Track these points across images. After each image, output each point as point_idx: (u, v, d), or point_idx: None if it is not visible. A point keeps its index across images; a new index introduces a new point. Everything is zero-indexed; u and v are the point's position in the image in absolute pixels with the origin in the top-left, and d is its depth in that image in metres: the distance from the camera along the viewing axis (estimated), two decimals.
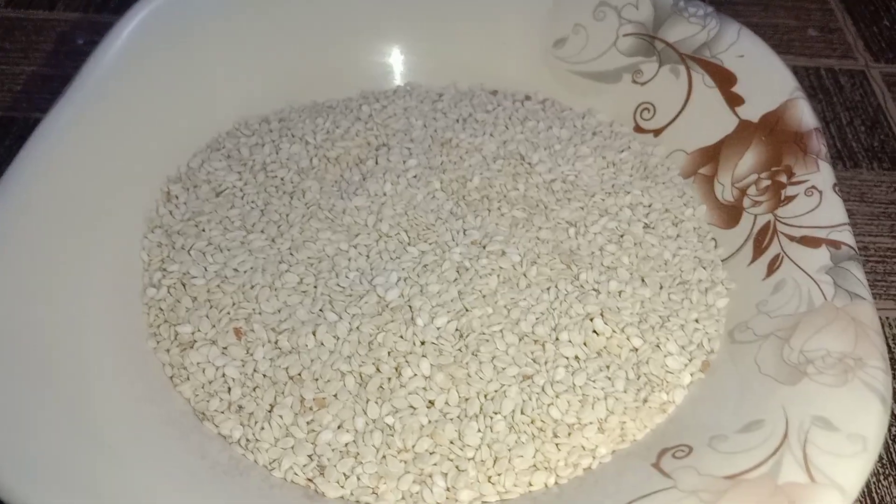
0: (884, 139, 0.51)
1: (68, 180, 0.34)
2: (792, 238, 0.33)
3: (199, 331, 0.33)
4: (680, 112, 0.40)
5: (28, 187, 0.32)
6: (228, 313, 0.33)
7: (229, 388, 0.31)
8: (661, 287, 0.35)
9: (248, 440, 0.30)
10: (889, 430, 0.37)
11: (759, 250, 0.34)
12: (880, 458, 0.36)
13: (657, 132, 0.41)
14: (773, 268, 0.33)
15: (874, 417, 0.26)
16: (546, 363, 0.32)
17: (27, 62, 0.53)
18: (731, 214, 0.37)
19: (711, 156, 0.38)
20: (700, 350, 0.33)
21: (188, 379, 0.32)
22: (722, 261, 0.36)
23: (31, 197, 0.32)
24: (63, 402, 0.28)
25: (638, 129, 0.42)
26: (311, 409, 0.31)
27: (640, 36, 0.42)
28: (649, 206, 0.38)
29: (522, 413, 0.30)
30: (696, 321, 0.33)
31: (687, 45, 0.40)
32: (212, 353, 0.32)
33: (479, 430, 0.30)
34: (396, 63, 0.45)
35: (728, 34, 0.40)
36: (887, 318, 0.41)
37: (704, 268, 0.36)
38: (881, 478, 0.35)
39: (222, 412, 0.31)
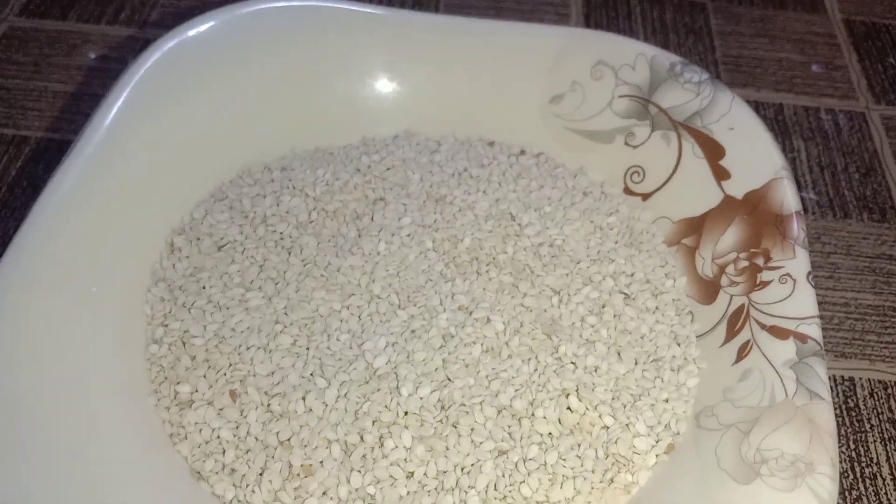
0: (876, 188, 0.52)
1: (74, 236, 0.36)
2: (763, 326, 0.35)
3: (196, 391, 0.35)
4: (668, 179, 0.41)
5: (35, 245, 0.34)
6: (225, 374, 0.35)
7: (223, 450, 0.34)
8: (636, 363, 0.36)
9: (239, 501, 0.33)
10: (850, 492, 0.39)
11: (731, 332, 0.36)
12: None
13: (646, 196, 0.42)
14: (742, 354, 0.35)
15: None
16: (521, 439, 0.34)
17: (39, 77, 0.55)
18: (709, 290, 0.38)
19: (695, 227, 0.40)
20: (667, 431, 0.34)
21: (186, 438, 0.34)
22: (697, 337, 0.38)
23: (38, 253, 0.34)
24: (66, 458, 0.31)
25: (628, 190, 0.43)
26: (298, 475, 0.33)
27: (635, 98, 0.43)
28: (631, 275, 0.40)
29: (495, 489, 0.33)
30: (666, 401, 0.35)
31: (679, 112, 0.41)
32: (208, 415, 0.34)
33: None
34: (398, 109, 0.46)
35: (721, 104, 0.40)
36: (860, 378, 0.43)
37: (679, 344, 0.37)
38: None
39: (216, 473, 0.33)
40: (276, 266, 0.39)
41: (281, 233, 0.40)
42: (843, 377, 0.43)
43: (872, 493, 0.39)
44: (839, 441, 0.39)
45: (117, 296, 0.37)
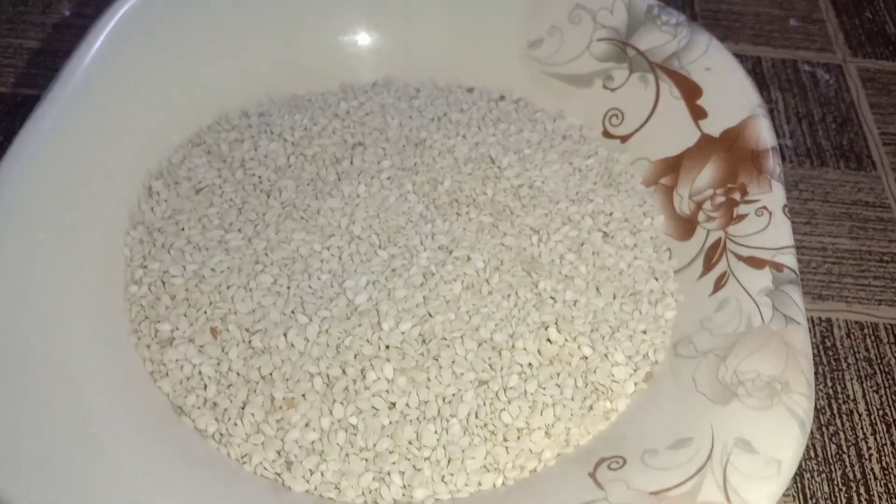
0: (853, 137, 0.53)
1: (52, 180, 0.35)
2: (739, 257, 0.35)
3: (177, 329, 0.35)
4: (646, 120, 0.42)
5: (12, 187, 0.34)
6: (205, 312, 0.35)
7: (205, 386, 0.34)
8: (615, 297, 0.37)
9: (221, 435, 0.33)
10: (827, 428, 0.39)
11: (708, 265, 0.36)
12: (815, 454, 0.38)
13: (624, 139, 0.43)
14: (719, 284, 0.35)
15: (791, 441, 0.28)
16: (501, 369, 0.34)
17: (14, 34, 0.54)
18: (686, 227, 0.39)
19: (673, 167, 0.40)
20: (645, 361, 0.35)
21: (167, 375, 0.34)
22: (674, 272, 0.38)
23: (15, 196, 0.34)
24: (46, 396, 0.30)
25: (606, 133, 0.43)
26: (280, 408, 0.33)
27: (613, 42, 0.43)
28: (610, 214, 0.40)
29: (476, 417, 0.33)
30: (644, 332, 0.36)
31: (657, 53, 0.42)
32: (189, 351, 0.34)
33: (436, 432, 0.33)
34: (376, 56, 0.46)
35: (698, 45, 0.41)
36: (837, 319, 0.44)
37: (657, 278, 0.38)
38: (815, 475, 0.38)
39: (198, 408, 0.33)
40: (255, 209, 0.39)
41: (259, 176, 0.40)
42: (820, 318, 0.44)
43: (849, 429, 0.40)
44: (816, 379, 0.40)
45: (96, 239, 0.37)
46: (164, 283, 0.36)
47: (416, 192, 0.40)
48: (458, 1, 0.45)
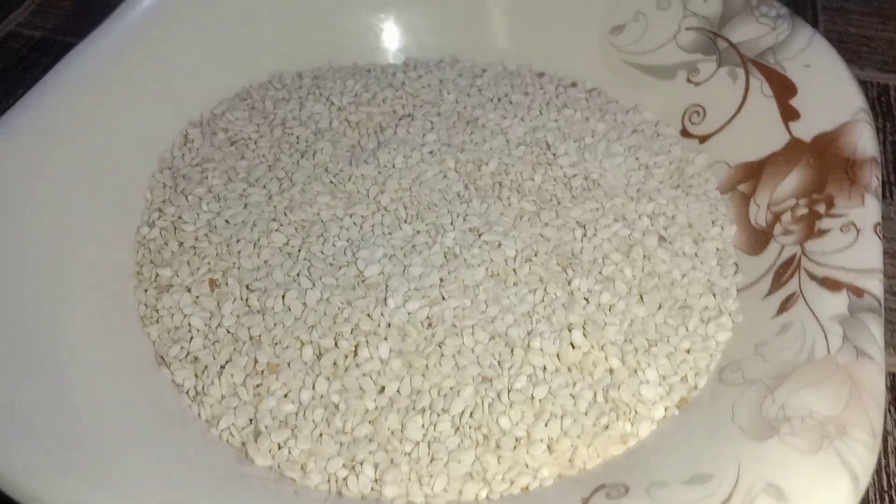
0: None
1: (91, 107, 0.34)
2: (813, 277, 0.29)
3: (177, 276, 0.33)
4: (730, 120, 0.36)
5: (46, 109, 0.33)
6: (209, 263, 0.33)
7: (191, 338, 0.31)
8: (659, 307, 0.32)
9: (196, 392, 0.30)
10: (888, 494, 0.32)
11: (777, 284, 0.31)
12: None
13: (703, 139, 0.37)
14: (785, 306, 0.29)
15: (836, 497, 0.22)
16: (510, 368, 0.30)
17: None
18: (759, 240, 0.33)
19: (754, 173, 0.35)
20: (682, 384, 0.29)
21: (157, 322, 0.32)
22: (738, 290, 0.32)
23: (47, 119, 0.33)
24: (31, 326, 0.29)
25: (685, 132, 0.38)
26: (262, 372, 0.30)
27: (702, 31, 0.38)
28: (672, 217, 0.35)
29: (471, 416, 0.29)
30: (688, 351, 0.30)
31: (751, 46, 0.36)
32: (183, 300, 0.32)
33: (423, 426, 0.29)
34: (447, 34, 0.43)
35: (798, 40, 0.35)
36: None
37: (714, 294, 0.32)
38: None
39: (180, 360, 0.31)
40: (285, 167, 0.37)
41: (297, 136, 0.38)
42: None
43: None
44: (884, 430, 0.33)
45: (123, 177, 0.35)
46: (175, 228, 0.34)
47: (457, 171, 0.37)
48: None
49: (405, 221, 0.34)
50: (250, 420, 0.29)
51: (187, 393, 0.30)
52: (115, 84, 0.36)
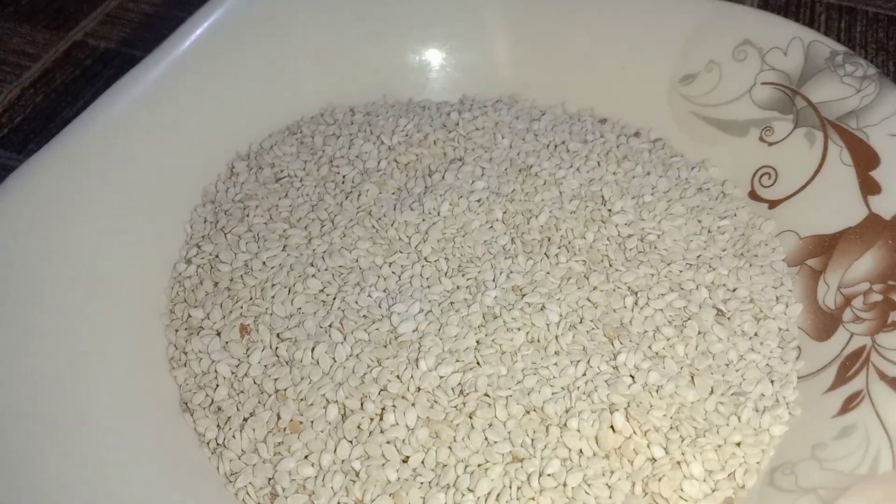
0: None
1: (141, 134, 0.34)
2: (883, 376, 0.27)
3: (208, 318, 0.32)
4: (804, 186, 0.34)
5: (96, 134, 0.32)
6: (241, 307, 0.32)
7: (217, 386, 0.30)
8: (711, 392, 0.29)
9: (217, 444, 0.29)
10: None
11: (842, 378, 0.28)
12: None
13: (773, 203, 0.35)
14: (848, 406, 0.27)
15: None
16: (544, 449, 0.28)
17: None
18: (826, 324, 0.30)
19: (826, 247, 0.32)
20: (729, 481, 0.27)
21: (185, 365, 0.31)
22: (798, 378, 0.30)
23: (96, 143, 0.32)
24: (59, 355, 0.29)
25: (753, 194, 0.36)
26: (284, 429, 0.29)
27: (780, 87, 0.35)
28: (733, 290, 0.32)
29: (497, 499, 0.27)
30: (738, 445, 0.28)
31: (832, 109, 0.34)
32: (212, 345, 0.31)
33: None
34: (507, 72, 0.41)
35: (885, 104, 0.32)
36: None
37: (773, 381, 0.30)
38: None
39: (204, 409, 0.30)
40: (328, 208, 0.35)
41: (344, 176, 0.37)
42: None
43: None
44: None
45: (169, 206, 0.35)
46: (211, 267, 0.34)
47: (504, 222, 0.35)
48: (607, 20, 0.39)
49: (445, 275, 0.33)
50: (269, 479, 0.28)
51: (208, 444, 0.29)
52: (166, 113, 0.35)
